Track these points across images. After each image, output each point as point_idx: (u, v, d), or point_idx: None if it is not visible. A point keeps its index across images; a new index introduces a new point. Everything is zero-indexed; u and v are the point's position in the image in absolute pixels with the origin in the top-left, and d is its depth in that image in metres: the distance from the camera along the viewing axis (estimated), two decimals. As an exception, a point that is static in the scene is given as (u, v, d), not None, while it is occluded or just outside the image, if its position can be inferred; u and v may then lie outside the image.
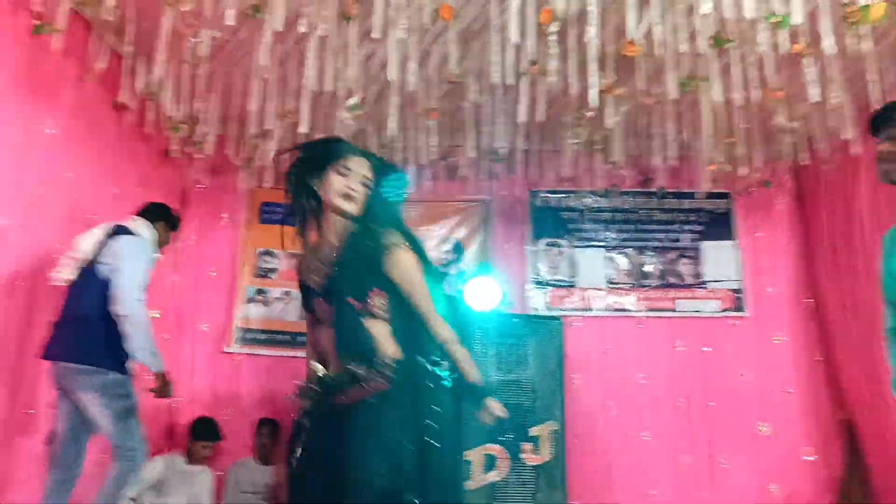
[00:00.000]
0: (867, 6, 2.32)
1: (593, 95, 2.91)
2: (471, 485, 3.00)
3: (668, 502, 4.28)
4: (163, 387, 2.90)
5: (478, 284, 3.58)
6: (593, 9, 2.77)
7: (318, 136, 3.93)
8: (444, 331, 1.82)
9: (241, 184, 4.60)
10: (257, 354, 4.55)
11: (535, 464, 3.10)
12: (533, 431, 3.13)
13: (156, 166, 4.28)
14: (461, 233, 4.78)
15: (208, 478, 3.98)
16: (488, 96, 3.81)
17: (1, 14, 2.69)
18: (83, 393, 2.74)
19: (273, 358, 4.55)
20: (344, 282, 1.78)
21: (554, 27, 2.84)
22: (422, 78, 3.48)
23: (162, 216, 3.20)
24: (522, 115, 3.47)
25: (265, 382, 4.50)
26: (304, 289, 1.91)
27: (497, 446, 3.06)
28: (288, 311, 4.63)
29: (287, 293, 4.65)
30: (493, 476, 3.03)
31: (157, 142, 4.21)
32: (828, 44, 2.67)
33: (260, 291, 4.65)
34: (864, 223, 3.92)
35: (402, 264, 1.79)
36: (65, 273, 2.87)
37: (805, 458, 4.35)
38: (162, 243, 3.13)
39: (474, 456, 3.03)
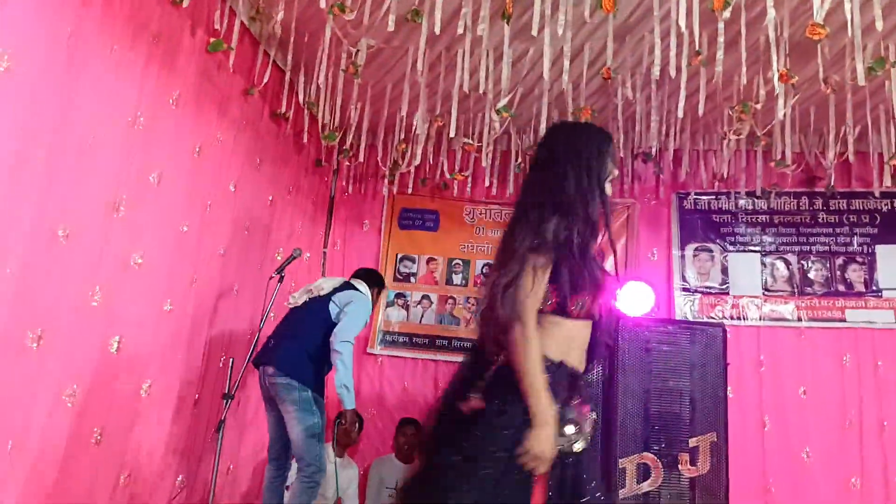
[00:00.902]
0: None
1: (776, 81, 2.69)
2: (623, 492, 2.87)
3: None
4: (352, 423, 3.19)
5: (628, 289, 3.43)
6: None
7: (465, 140, 3.98)
8: None
9: (384, 191, 4.73)
10: (398, 356, 4.62)
11: (692, 475, 2.91)
12: (692, 442, 2.95)
13: (307, 174, 4.48)
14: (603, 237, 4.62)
15: (355, 472, 4.07)
16: (639, 93, 3.68)
17: (182, 31, 2.90)
18: (284, 404, 3.00)
19: (412, 360, 4.61)
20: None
21: (726, 13, 2.68)
22: (573, 74, 3.42)
23: (376, 282, 3.61)
24: (681, 111, 3.32)
25: (406, 383, 4.57)
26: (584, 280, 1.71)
27: (651, 455, 2.91)
28: (426, 315, 4.67)
29: (426, 297, 4.70)
30: (647, 486, 2.88)
31: (310, 151, 4.42)
32: None
33: (399, 295, 4.73)
34: None
35: None
36: (299, 298, 3.31)
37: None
38: (373, 302, 3.50)
39: (628, 464, 2.90)
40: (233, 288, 3.44)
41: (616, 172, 1.84)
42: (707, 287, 4.45)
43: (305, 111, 3.83)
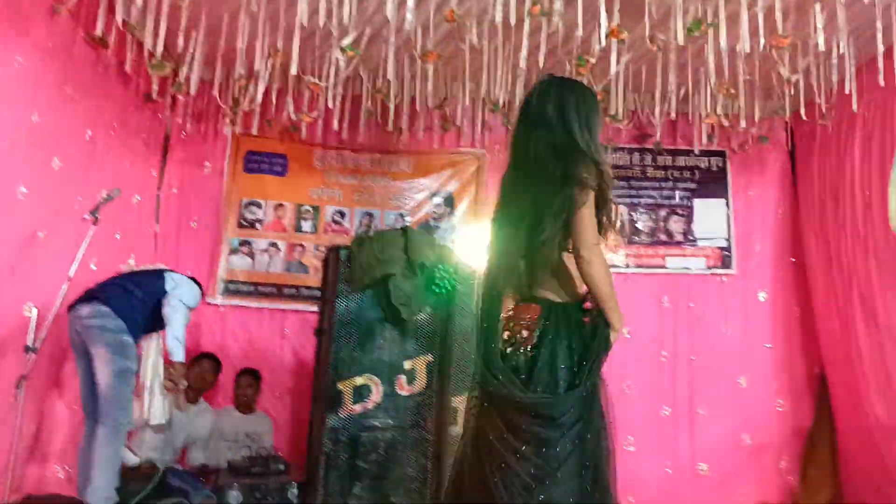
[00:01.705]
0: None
1: (602, 36, 2.81)
2: (455, 430, 2.96)
3: (647, 451, 4.35)
4: (178, 376, 3.14)
5: (466, 235, 3.51)
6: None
7: (309, 78, 3.81)
8: None
9: (226, 130, 4.46)
10: (242, 306, 4.45)
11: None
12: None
13: (136, 110, 4.11)
14: (453, 186, 4.69)
15: (209, 418, 3.95)
16: (487, 40, 3.70)
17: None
18: (96, 346, 2.86)
19: (258, 310, 4.47)
20: None
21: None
22: (420, 19, 3.36)
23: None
24: (523, 61, 3.38)
25: (251, 334, 4.43)
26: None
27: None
28: (273, 263, 4.53)
29: (273, 245, 4.54)
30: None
31: (139, 83, 4.04)
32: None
33: (244, 243, 4.53)
34: (855, 181, 3.93)
35: None
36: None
37: (778, 408, 4.44)
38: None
39: (460, 403, 3.00)
40: (36, 233, 3.09)
41: None
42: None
43: (129, 37, 3.47)
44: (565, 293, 1.86)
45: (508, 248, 1.87)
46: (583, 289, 1.87)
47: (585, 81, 3.69)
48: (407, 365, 2.97)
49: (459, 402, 3.02)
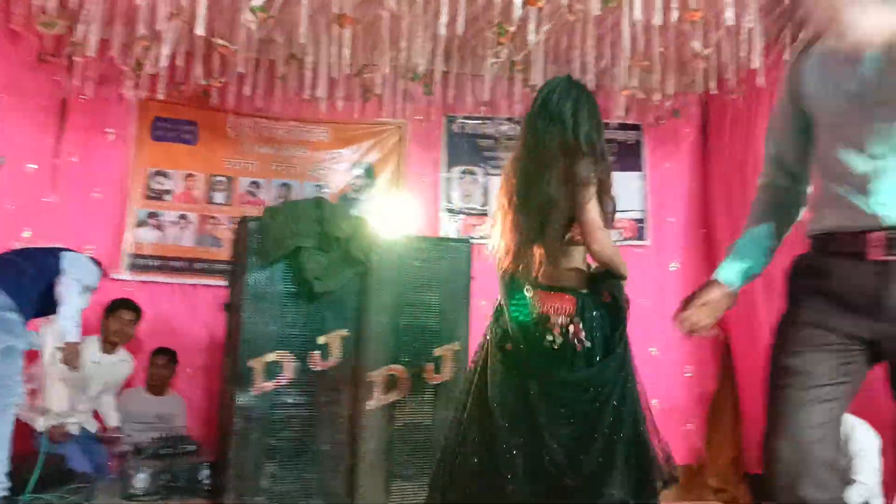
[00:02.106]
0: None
1: (517, 4, 2.77)
2: (371, 405, 2.96)
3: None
4: (73, 356, 2.97)
5: (385, 207, 3.45)
6: None
7: (218, 41, 3.61)
8: None
9: (130, 94, 4.19)
10: (150, 282, 4.23)
11: (436, 383, 3.09)
12: (436, 352, 3.10)
13: (31, 71, 3.79)
14: (374, 156, 4.59)
15: (129, 366, 3.84)
16: (407, 7, 3.60)
17: None
18: None
19: (167, 285, 4.26)
20: None
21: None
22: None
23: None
24: (443, 28, 3.31)
25: (159, 310, 4.22)
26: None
27: (399, 366, 3.02)
28: (184, 235, 4.32)
29: (183, 217, 4.33)
30: (394, 395, 3.01)
31: (31, 43, 3.72)
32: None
33: (152, 214, 4.30)
34: (759, 154, 4.08)
35: None
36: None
37: (686, 375, 4.64)
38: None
39: (377, 377, 2.99)
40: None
41: None
42: (470, 208, 4.66)
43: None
44: (582, 282, 2.08)
45: (525, 237, 2.04)
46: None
47: (505, 51, 3.69)
48: (321, 340, 2.90)
49: (376, 377, 2.99)
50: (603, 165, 2.03)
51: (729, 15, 3.05)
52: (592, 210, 1.96)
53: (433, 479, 2.18)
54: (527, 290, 2.05)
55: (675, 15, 3.07)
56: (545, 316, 2.00)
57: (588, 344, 1.98)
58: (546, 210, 1.99)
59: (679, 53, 3.90)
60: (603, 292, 2.08)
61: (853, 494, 2.91)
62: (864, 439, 2.97)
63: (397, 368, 3.01)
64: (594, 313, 2.02)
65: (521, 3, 2.87)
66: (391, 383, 3.01)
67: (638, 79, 3.99)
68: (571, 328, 1.98)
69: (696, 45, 3.41)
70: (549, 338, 1.98)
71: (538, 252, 2.05)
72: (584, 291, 2.05)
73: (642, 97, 4.06)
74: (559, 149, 2.02)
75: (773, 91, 3.94)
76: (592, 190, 1.97)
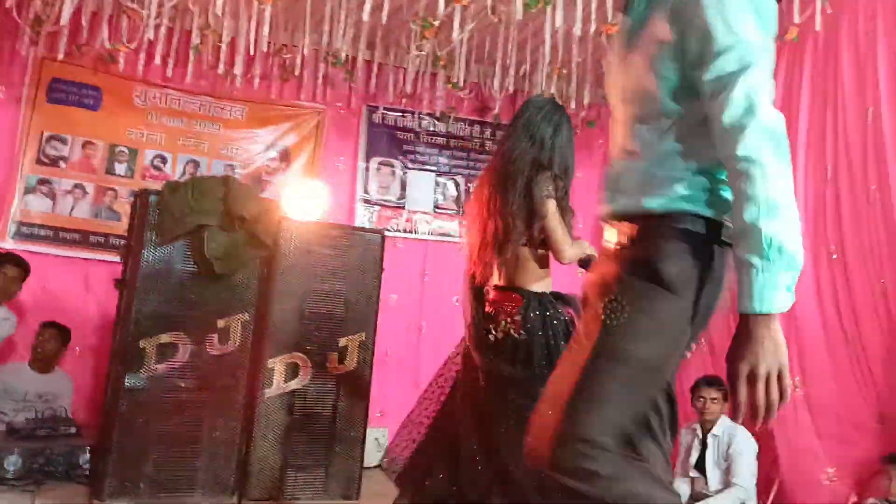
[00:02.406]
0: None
1: (452, 5, 2.78)
2: (270, 392, 2.89)
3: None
4: None
5: (298, 191, 3.37)
6: None
7: (127, 2, 3.42)
8: None
9: (26, 51, 3.89)
10: (38, 252, 3.95)
11: (339, 373, 3.05)
12: (342, 342, 3.06)
13: None
14: (290, 140, 4.48)
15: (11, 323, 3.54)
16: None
17: None
18: None
19: (57, 258, 3.99)
20: None
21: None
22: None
23: None
24: (366, 14, 3.27)
25: (47, 284, 3.95)
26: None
27: (301, 354, 2.96)
28: (80, 206, 4.06)
29: (79, 186, 4.06)
30: (294, 384, 2.94)
31: None
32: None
33: (44, 181, 4.01)
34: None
35: None
36: None
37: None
38: None
39: (277, 364, 2.92)
40: None
41: None
42: (386, 200, 4.63)
43: None
44: (535, 283, 2.19)
45: (487, 242, 2.17)
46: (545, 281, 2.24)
47: (429, 45, 3.69)
48: (220, 323, 2.80)
49: (276, 364, 2.92)
50: (564, 182, 2.20)
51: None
52: (553, 223, 2.13)
53: (407, 470, 2.27)
54: (485, 290, 2.21)
55: (593, 27, 3.16)
56: (491, 312, 2.15)
57: (523, 336, 2.07)
58: (507, 219, 2.13)
59: (596, 65, 4.04)
60: (566, 308, 2.18)
61: (731, 497, 3.09)
62: (743, 444, 3.16)
63: (299, 356, 2.95)
64: (538, 313, 2.12)
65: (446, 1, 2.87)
66: (292, 371, 2.94)
67: (555, 86, 4.09)
68: (512, 323, 2.10)
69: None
70: (493, 332, 2.11)
71: (500, 256, 2.19)
72: (535, 291, 2.17)
73: (560, 103, 4.16)
74: (530, 165, 2.17)
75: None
76: (552, 204, 2.13)
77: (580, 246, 2.22)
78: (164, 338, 2.68)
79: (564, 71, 3.76)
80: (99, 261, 4.01)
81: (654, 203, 1.21)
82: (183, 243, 2.74)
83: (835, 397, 3.01)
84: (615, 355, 1.15)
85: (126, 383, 2.62)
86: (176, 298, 2.74)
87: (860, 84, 2.98)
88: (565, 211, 2.20)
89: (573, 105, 4.14)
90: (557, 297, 2.22)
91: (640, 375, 1.17)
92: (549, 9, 3.15)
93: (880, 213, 2.83)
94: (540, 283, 2.21)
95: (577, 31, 3.21)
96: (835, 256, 3.00)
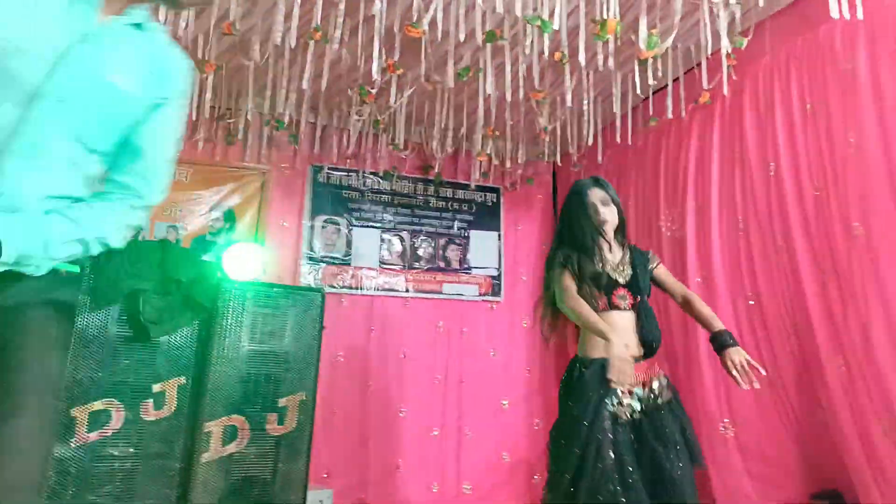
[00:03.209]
0: (604, 21, 2.63)
1: (375, 69, 2.93)
2: (207, 457, 2.86)
3: (416, 471, 4.51)
4: None
5: (237, 252, 3.41)
6: (381, -16, 2.80)
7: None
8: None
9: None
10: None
11: (278, 434, 3.04)
12: (281, 402, 3.07)
13: None
14: (234, 200, 4.54)
15: None
16: (272, 60, 3.68)
17: None
18: None
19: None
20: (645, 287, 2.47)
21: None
22: (201, 27, 3.26)
23: None
24: (306, 83, 3.41)
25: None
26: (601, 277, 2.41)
27: (239, 417, 2.96)
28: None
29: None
30: (232, 447, 2.92)
31: None
32: (581, 57, 2.99)
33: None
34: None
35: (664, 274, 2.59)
36: None
37: (535, 427, 4.87)
38: None
39: (214, 428, 2.90)
40: None
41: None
42: (332, 257, 4.70)
43: None
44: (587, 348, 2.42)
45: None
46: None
47: (367, 111, 3.84)
48: (156, 388, 2.79)
49: (213, 427, 2.90)
50: (573, 251, 2.42)
51: (568, 98, 3.39)
52: (554, 285, 2.44)
53: None
54: None
55: (521, 93, 3.36)
56: None
57: None
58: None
59: (530, 126, 4.26)
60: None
61: None
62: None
63: (237, 419, 2.94)
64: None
65: (380, 70, 3.03)
66: (230, 435, 2.93)
67: (493, 146, 4.28)
68: None
69: (542, 120, 3.74)
70: None
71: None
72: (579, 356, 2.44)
73: (497, 163, 4.35)
74: (553, 242, 2.59)
75: (609, 167, 4.39)
76: (555, 272, 2.43)
77: (581, 306, 2.35)
78: (97, 405, 2.65)
79: (497, 133, 3.94)
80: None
81: None
82: (118, 309, 2.75)
83: (763, 438, 3.13)
84: None
85: (54, 454, 2.57)
86: (110, 364, 2.73)
87: (762, 141, 3.23)
88: (583, 274, 2.38)
89: (508, 164, 4.32)
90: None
91: None
92: (480, 76, 3.33)
93: (786, 260, 3.03)
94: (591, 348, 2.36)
95: (507, 96, 3.40)
96: (751, 302, 3.17)
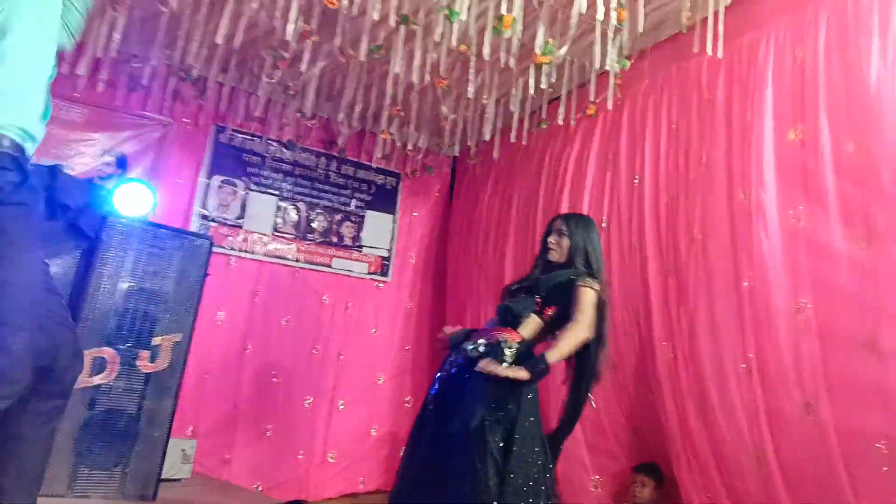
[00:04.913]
0: (502, 16, 2.92)
1: (290, 32, 3.06)
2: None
3: (284, 438, 4.60)
4: None
5: (130, 190, 3.39)
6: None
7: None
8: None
9: None
10: None
11: (148, 371, 3.06)
12: (155, 341, 3.09)
13: None
14: (130, 147, 4.47)
15: None
16: (189, 11, 3.70)
17: None
18: None
19: None
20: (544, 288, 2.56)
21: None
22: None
23: None
24: (220, 38, 3.47)
25: None
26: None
27: (110, 350, 2.96)
28: None
29: None
30: (99, 379, 2.92)
31: None
32: (485, 50, 3.26)
33: None
34: (482, 215, 4.85)
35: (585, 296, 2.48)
36: None
37: (406, 405, 5.09)
38: None
39: (85, 358, 2.89)
40: None
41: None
42: (224, 218, 4.72)
43: None
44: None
45: None
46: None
47: (279, 73, 3.94)
48: None
49: (86, 355, 2.89)
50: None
51: (470, 89, 3.66)
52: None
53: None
54: None
55: (427, 79, 3.59)
56: None
57: None
58: None
59: (435, 118, 4.50)
60: None
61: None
62: None
63: (108, 351, 2.94)
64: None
65: (295, 36, 3.16)
66: (99, 366, 2.93)
67: (397, 131, 4.49)
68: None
69: (444, 109, 4.00)
70: None
71: None
72: None
73: (399, 146, 4.56)
74: None
75: (501, 163, 4.72)
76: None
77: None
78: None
79: (402, 113, 4.16)
80: None
81: None
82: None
83: (601, 413, 3.51)
84: None
85: None
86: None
87: (632, 153, 3.65)
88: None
89: (410, 146, 4.54)
90: None
91: None
92: (392, 55, 3.52)
93: (637, 259, 3.44)
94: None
95: (414, 79, 3.61)
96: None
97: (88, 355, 2.93)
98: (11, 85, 1.61)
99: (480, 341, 2.46)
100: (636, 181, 3.56)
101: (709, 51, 3.12)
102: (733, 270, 2.93)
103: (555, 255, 2.67)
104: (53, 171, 2.94)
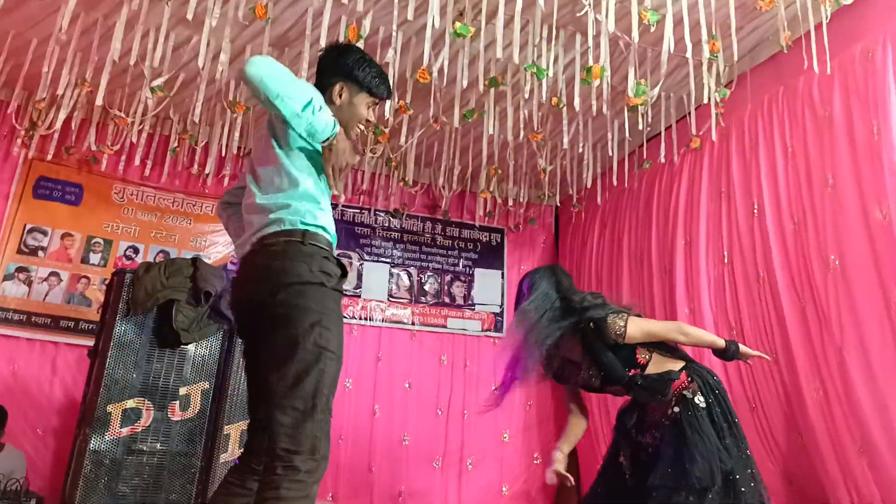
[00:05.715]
0: (590, 67, 2.96)
1: (388, 109, 3.27)
2: (225, 457, 3.03)
3: (419, 498, 4.64)
4: None
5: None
6: (397, 35, 3.16)
7: (116, 112, 3.86)
8: None
9: (18, 152, 4.27)
10: (9, 336, 4.14)
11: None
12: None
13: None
14: (255, 233, 4.84)
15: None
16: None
17: None
18: None
19: (27, 341, 4.18)
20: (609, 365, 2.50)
21: (360, 44, 3.17)
22: (234, 71, 3.63)
23: None
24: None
25: (16, 366, 4.11)
26: None
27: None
28: (52, 293, 4.31)
29: (54, 274, 4.33)
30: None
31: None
32: (576, 103, 3.32)
33: (21, 269, 4.28)
34: (592, 258, 4.79)
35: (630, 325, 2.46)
36: None
37: (535, 461, 4.99)
38: None
39: (232, 431, 3.06)
40: None
41: None
42: (344, 290, 4.95)
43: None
44: None
45: None
46: None
47: (381, 148, 4.17)
48: (182, 391, 3.03)
49: (232, 429, 3.12)
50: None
51: (565, 140, 3.71)
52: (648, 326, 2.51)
53: None
54: None
55: (522, 135, 3.68)
56: None
57: None
58: None
59: (533, 170, 4.58)
60: None
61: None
62: None
63: (254, 424, 3.16)
64: None
65: (392, 112, 3.37)
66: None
67: (497, 187, 4.60)
68: None
69: (541, 162, 4.06)
70: None
71: None
72: None
73: (500, 203, 4.66)
74: None
75: (606, 208, 4.69)
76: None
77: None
78: (130, 403, 2.89)
79: (500, 172, 4.26)
80: (68, 345, 4.21)
81: None
82: (152, 318, 3.02)
83: (746, 460, 3.29)
84: None
85: (91, 445, 2.80)
86: (143, 367, 2.98)
87: (746, 181, 3.51)
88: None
89: (511, 203, 4.62)
90: None
91: None
92: (484, 118, 3.66)
93: (768, 292, 3.26)
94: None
95: (510, 136, 3.72)
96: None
97: (236, 428, 3.15)
98: None
99: (676, 409, 2.38)
100: (755, 210, 3.42)
101: (815, 68, 3.00)
102: (881, 294, 2.71)
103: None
104: (195, 261, 3.27)
